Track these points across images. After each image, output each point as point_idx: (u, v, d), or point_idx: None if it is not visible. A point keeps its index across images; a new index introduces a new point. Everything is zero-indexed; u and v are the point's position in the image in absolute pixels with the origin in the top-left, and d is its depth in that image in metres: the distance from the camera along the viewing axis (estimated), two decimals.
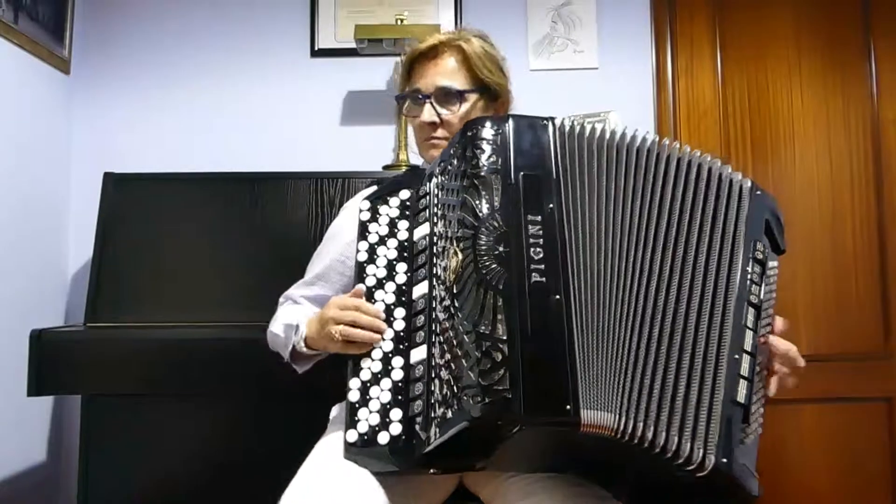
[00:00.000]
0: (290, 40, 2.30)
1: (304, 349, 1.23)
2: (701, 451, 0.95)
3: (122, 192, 1.94)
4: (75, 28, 2.22)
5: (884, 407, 2.21)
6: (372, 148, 2.22)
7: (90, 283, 1.85)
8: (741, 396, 1.02)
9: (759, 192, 1.13)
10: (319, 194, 1.94)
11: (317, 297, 1.35)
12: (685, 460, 0.94)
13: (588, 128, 1.08)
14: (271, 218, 1.92)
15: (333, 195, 1.93)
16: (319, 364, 1.30)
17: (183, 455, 1.71)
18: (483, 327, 0.93)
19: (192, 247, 1.90)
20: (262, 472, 1.55)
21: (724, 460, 0.96)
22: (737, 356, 1.02)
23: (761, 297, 1.09)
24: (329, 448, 1.14)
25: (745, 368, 1.03)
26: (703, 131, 2.29)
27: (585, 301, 0.98)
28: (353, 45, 2.19)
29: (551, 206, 1.01)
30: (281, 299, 1.40)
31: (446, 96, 1.34)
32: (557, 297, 0.96)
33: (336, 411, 1.35)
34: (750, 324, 1.05)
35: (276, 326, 1.31)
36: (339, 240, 1.36)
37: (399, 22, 2.19)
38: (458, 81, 1.35)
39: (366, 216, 1.19)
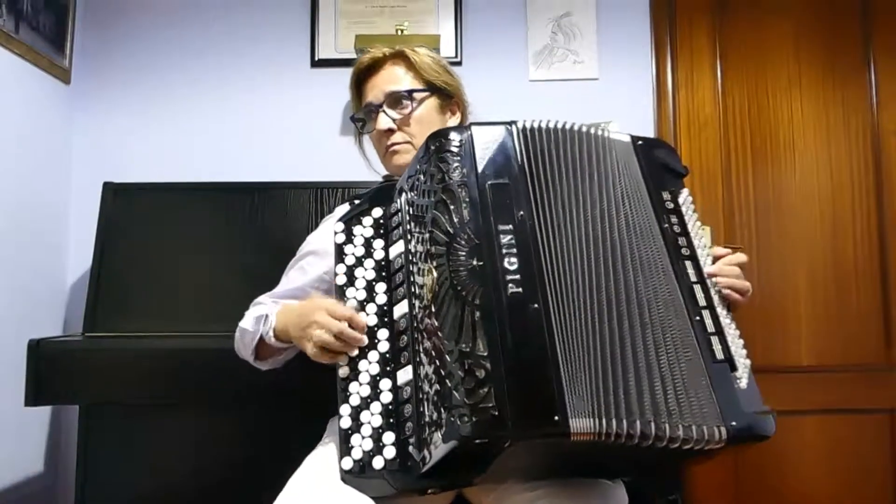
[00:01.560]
0: (290, 50, 2.31)
1: (273, 341, 1.22)
2: (706, 428, 0.94)
3: (121, 201, 1.94)
4: (76, 38, 2.22)
5: (886, 418, 2.20)
6: (372, 158, 2.20)
7: (89, 293, 1.85)
8: (719, 353, 1.01)
9: (640, 142, 1.14)
10: (319, 204, 1.94)
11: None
12: (694, 443, 0.93)
13: (545, 126, 1.08)
14: (271, 227, 1.92)
15: (334, 205, 1.92)
16: (317, 372, 1.28)
17: (181, 465, 1.70)
18: (464, 344, 0.92)
19: (191, 256, 1.89)
20: (259, 481, 1.54)
21: (734, 423, 0.95)
22: (697, 317, 1.03)
23: (693, 245, 1.09)
24: (319, 461, 1.13)
25: (709, 324, 1.03)
26: (703, 142, 2.29)
27: (564, 306, 0.97)
28: (353, 55, 2.18)
29: (521, 213, 1.00)
30: (251, 305, 1.37)
31: (396, 99, 1.35)
32: (535, 305, 0.95)
33: (331, 423, 1.33)
34: (693, 278, 1.05)
35: (246, 322, 1.29)
36: (325, 256, 1.31)
37: (399, 32, 2.20)
38: (407, 84, 1.36)
39: (341, 238, 1.18)
